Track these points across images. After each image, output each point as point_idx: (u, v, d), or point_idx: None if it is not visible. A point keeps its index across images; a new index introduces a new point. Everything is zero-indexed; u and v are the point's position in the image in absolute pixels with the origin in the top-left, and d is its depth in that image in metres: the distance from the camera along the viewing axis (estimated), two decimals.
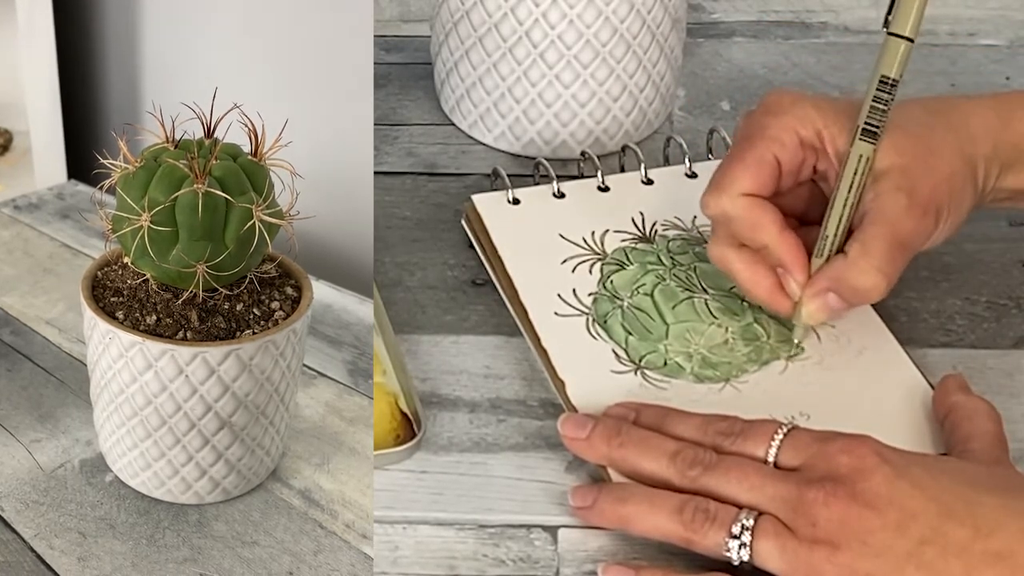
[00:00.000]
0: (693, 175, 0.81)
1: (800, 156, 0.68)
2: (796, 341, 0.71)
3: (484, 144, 0.88)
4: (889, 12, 0.66)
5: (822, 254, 0.68)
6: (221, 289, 0.68)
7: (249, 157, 0.68)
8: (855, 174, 0.67)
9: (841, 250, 0.67)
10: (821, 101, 0.69)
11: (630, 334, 0.71)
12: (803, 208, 0.71)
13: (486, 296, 0.77)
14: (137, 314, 0.68)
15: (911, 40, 0.65)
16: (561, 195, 0.79)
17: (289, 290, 0.72)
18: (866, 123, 0.66)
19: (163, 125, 0.67)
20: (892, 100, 0.66)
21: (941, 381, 0.68)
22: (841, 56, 0.97)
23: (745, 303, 0.73)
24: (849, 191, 0.67)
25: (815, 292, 0.68)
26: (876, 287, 0.66)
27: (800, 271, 0.68)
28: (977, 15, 1.01)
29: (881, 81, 0.66)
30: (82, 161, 1.26)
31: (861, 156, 0.66)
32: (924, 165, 0.67)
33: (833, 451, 0.59)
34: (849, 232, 0.67)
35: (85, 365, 0.72)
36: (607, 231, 0.77)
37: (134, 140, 0.68)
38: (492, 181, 0.81)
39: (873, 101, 0.66)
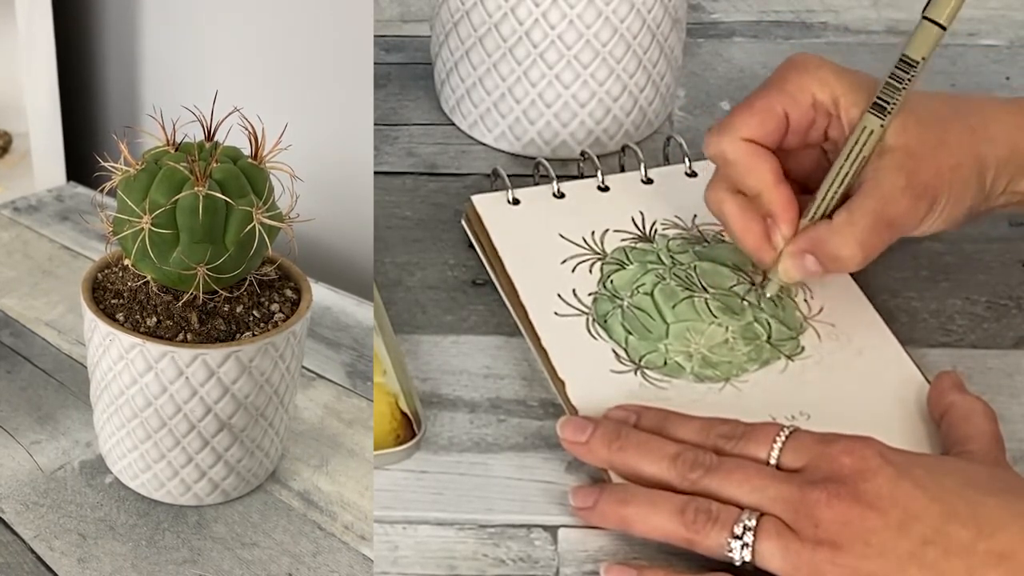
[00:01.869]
0: (693, 174, 0.81)
1: (810, 117, 0.69)
2: (767, 294, 0.72)
3: (484, 144, 0.88)
4: None
5: (809, 216, 0.68)
6: (221, 291, 0.68)
7: (249, 160, 0.68)
8: (855, 143, 0.67)
9: (830, 217, 0.68)
10: (846, 71, 0.69)
11: (630, 334, 0.71)
12: (807, 173, 0.71)
13: (486, 296, 0.77)
14: (137, 316, 0.68)
15: (943, 27, 0.65)
16: (561, 195, 0.79)
17: (289, 292, 0.72)
18: (878, 97, 0.66)
19: (163, 128, 0.67)
20: (910, 80, 0.66)
21: (936, 379, 0.68)
22: (841, 56, 0.96)
23: (745, 302, 0.73)
24: (846, 160, 0.67)
25: (794, 251, 0.68)
26: (853, 257, 0.67)
27: (788, 224, 0.68)
28: (977, 15, 1.01)
29: (902, 60, 0.66)
30: (81, 163, 1.25)
31: (865, 128, 0.67)
32: (930, 152, 0.67)
33: (835, 452, 0.59)
34: (843, 202, 0.68)
35: (85, 367, 0.72)
36: (607, 231, 0.77)
37: (134, 142, 0.68)
38: (492, 181, 0.81)
39: (890, 78, 0.66)
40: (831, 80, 0.69)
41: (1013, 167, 0.69)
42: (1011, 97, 0.72)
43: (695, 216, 0.78)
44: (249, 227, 0.65)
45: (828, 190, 0.68)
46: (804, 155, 0.71)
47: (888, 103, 0.66)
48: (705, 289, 0.74)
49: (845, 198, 0.68)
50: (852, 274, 0.74)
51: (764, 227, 0.69)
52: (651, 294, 0.73)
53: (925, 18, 0.66)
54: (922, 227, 0.68)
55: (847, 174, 0.68)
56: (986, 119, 0.69)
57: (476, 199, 0.78)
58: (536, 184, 0.80)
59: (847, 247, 0.67)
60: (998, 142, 0.69)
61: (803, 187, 0.71)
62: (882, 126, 0.66)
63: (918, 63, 0.66)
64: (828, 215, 0.68)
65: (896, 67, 0.66)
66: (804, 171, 0.71)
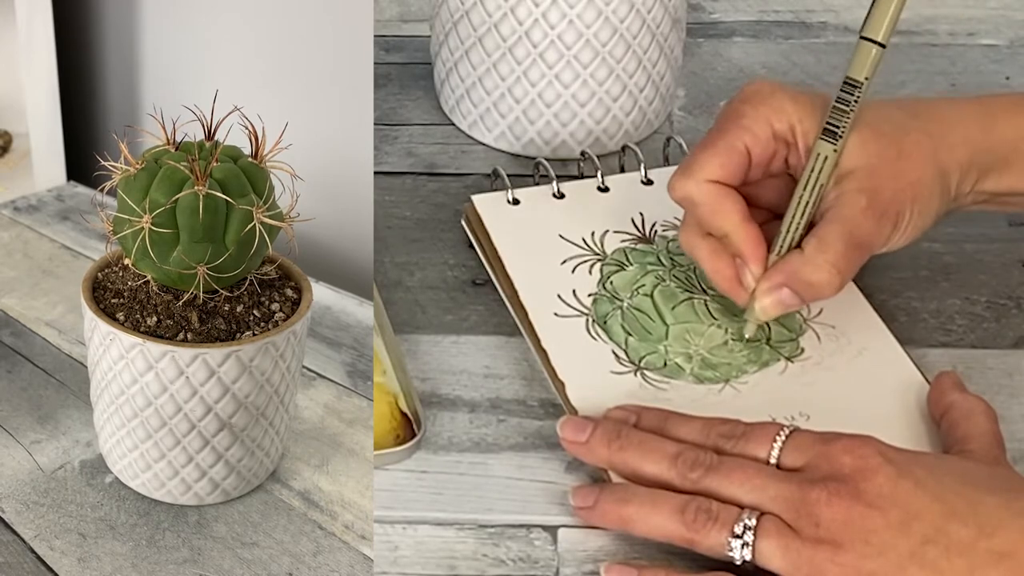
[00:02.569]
0: None
1: (771, 148, 0.68)
2: (747, 336, 0.71)
3: (484, 144, 0.88)
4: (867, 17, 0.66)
5: (776, 251, 0.68)
6: (221, 291, 0.68)
7: (250, 159, 0.68)
8: (812, 171, 0.67)
9: (798, 246, 0.67)
10: (800, 95, 0.68)
11: (630, 335, 0.71)
12: (777, 200, 0.71)
13: (486, 296, 0.77)
14: (138, 315, 0.68)
15: (882, 45, 0.65)
16: (561, 195, 0.79)
17: (289, 292, 0.72)
18: (827, 123, 0.66)
19: (163, 127, 0.67)
20: (856, 102, 0.65)
21: (936, 379, 0.68)
22: (841, 56, 0.97)
23: None
24: (805, 189, 0.67)
25: (769, 287, 0.67)
26: (830, 283, 0.66)
27: (757, 263, 0.68)
28: (977, 15, 1.01)
29: (846, 82, 0.66)
30: (81, 163, 1.26)
31: (819, 155, 0.66)
32: (891, 168, 0.66)
33: (836, 451, 0.59)
34: (810, 229, 0.67)
35: (85, 366, 0.72)
36: (607, 231, 0.77)
37: (134, 142, 0.68)
38: (492, 181, 0.81)
39: (836, 102, 0.66)
40: (787, 108, 0.68)
41: (976, 169, 0.69)
42: (971, 96, 0.71)
43: None
44: (249, 226, 0.65)
45: (791, 221, 0.67)
46: (769, 184, 0.70)
47: (838, 127, 0.66)
48: (705, 291, 0.74)
49: (810, 226, 0.67)
50: None
51: (735, 268, 0.68)
52: (651, 295, 0.73)
53: (863, 37, 0.65)
54: (889, 244, 0.68)
55: (808, 203, 0.67)
56: (945, 123, 0.69)
57: (476, 199, 0.79)
58: (536, 184, 0.80)
59: (822, 273, 0.66)
60: (957, 146, 0.68)
61: (773, 214, 0.71)
62: (835, 151, 0.66)
63: (861, 84, 0.65)
64: (796, 245, 0.68)
65: (841, 90, 0.66)
66: (772, 199, 0.71)
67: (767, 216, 0.70)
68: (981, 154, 0.69)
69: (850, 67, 0.66)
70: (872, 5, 0.65)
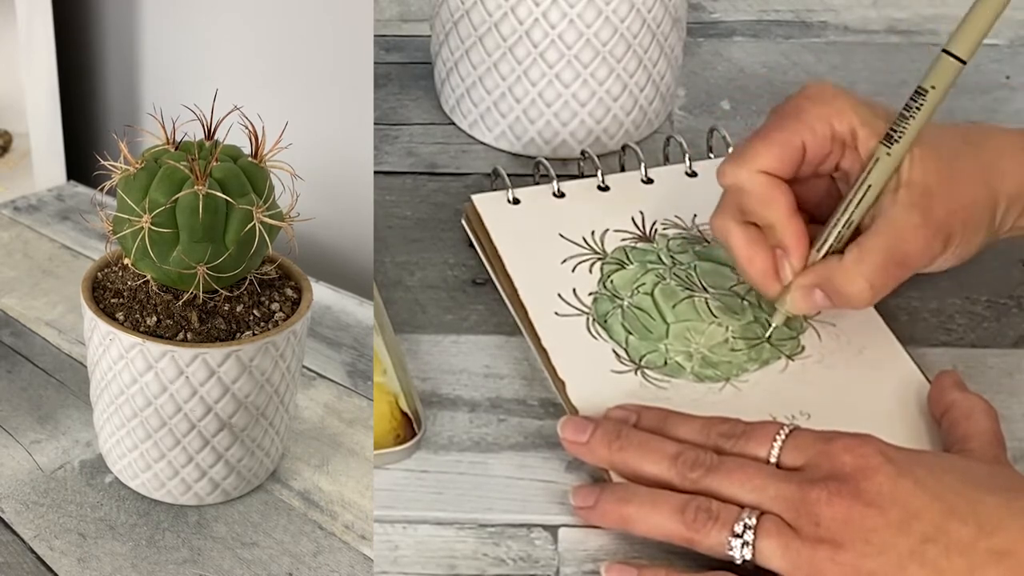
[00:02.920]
0: (693, 174, 0.81)
1: (827, 148, 0.68)
2: (774, 325, 0.71)
3: (484, 144, 0.88)
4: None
5: (817, 247, 0.68)
6: (221, 291, 0.68)
7: (249, 159, 0.68)
8: (867, 173, 0.66)
9: (842, 251, 0.67)
10: (861, 101, 0.68)
11: (630, 334, 0.71)
12: (816, 202, 0.71)
13: (486, 296, 0.77)
14: (137, 315, 0.68)
15: (963, 61, 0.65)
16: (561, 195, 0.79)
17: (289, 291, 0.72)
18: (890, 128, 0.66)
19: (163, 126, 0.67)
20: (919, 110, 0.65)
21: (936, 378, 0.68)
22: (841, 56, 0.97)
23: (745, 302, 0.73)
24: (855, 191, 0.67)
25: (803, 284, 0.68)
26: (861, 296, 0.66)
27: (798, 257, 0.68)
28: None
29: (916, 91, 0.65)
30: (81, 162, 1.26)
31: (872, 156, 0.66)
32: (946, 188, 0.66)
33: (836, 450, 0.59)
34: (857, 234, 0.67)
35: (85, 366, 0.72)
36: (607, 230, 0.77)
37: (134, 141, 0.68)
38: (492, 181, 0.81)
39: (903, 108, 0.66)
40: (848, 111, 0.68)
41: (1021, 202, 0.69)
42: (1018, 128, 0.71)
43: (695, 216, 0.78)
44: (249, 226, 0.65)
45: (838, 221, 0.67)
46: (813, 184, 0.70)
47: (895, 132, 0.66)
48: (705, 289, 0.74)
49: (858, 231, 0.67)
50: None
51: (770, 259, 0.68)
52: (651, 294, 0.73)
53: (944, 50, 0.65)
54: (935, 264, 0.68)
55: (857, 204, 0.67)
56: (998, 153, 0.69)
57: (476, 198, 0.78)
58: (536, 184, 0.80)
59: (855, 284, 0.66)
60: (1008, 177, 0.68)
61: (811, 216, 0.71)
62: (888, 155, 0.66)
63: (927, 92, 0.65)
64: (840, 249, 0.67)
65: (910, 97, 0.66)
66: (813, 200, 0.71)
67: (805, 217, 0.70)
68: None
69: (925, 76, 0.66)
70: (963, 20, 0.65)
